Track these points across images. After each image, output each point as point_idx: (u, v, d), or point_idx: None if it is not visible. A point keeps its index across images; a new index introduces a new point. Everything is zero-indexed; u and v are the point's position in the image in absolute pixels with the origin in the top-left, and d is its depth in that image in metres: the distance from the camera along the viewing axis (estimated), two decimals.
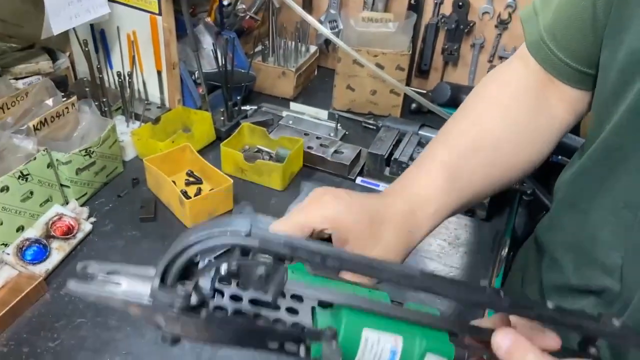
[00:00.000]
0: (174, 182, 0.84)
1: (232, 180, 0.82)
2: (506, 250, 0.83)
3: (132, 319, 0.66)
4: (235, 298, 0.36)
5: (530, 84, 0.59)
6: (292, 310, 0.38)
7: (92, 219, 0.80)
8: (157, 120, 0.95)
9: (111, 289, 0.36)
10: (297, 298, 0.38)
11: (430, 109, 1.08)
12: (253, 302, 0.37)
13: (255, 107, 1.09)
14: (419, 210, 0.51)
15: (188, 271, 0.36)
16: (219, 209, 0.83)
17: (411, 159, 0.90)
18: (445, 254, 0.78)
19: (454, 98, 1.09)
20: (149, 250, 0.77)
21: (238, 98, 1.03)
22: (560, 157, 0.96)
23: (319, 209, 0.46)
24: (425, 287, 0.36)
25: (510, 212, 0.89)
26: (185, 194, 0.84)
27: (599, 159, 0.54)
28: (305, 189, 0.90)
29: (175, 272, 0.35)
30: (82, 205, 0.82)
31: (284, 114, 1.06)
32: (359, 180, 0.93)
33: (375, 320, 0.38)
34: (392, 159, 0.90)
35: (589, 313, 0.41)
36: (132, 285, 0.36)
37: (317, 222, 0.44)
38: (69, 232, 0.75)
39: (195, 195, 0.84)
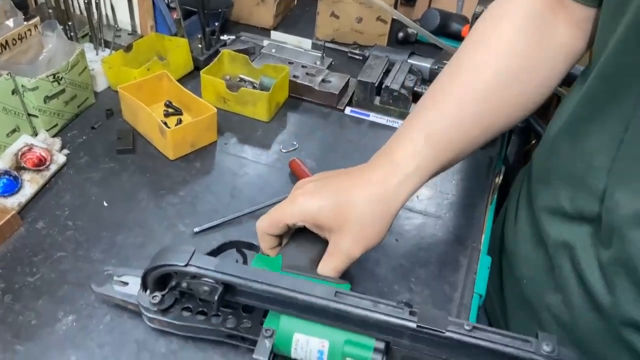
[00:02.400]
0: None
1: (215, 109, 0.77)
2: (500, 177, 0.82)
3: (117, 252, 0.62)
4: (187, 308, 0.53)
5: (537, 9, 0.56)
6: (248, 309, 0.53)
7: (66, 151, 0.74)
8: (128, 48, 0.88)
9: (119, 289, 0.55)
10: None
11: (420, 37, 1.04)
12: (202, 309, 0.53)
13: (234, 37, 1.02)
14: (393, 178, 0.52)
15: (168, 279, 0.53)
16: (202, 140, 0.78)
17: (403, 86, 0.86)
18: (440, 181, 0.76)
19: (443, 26, 1.05)
20: (129, 182, 0.72)
21: (216, 24, 0.96)
22: (559, 87, 0.94)
23: (289, 207, 0.53)
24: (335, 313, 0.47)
25: (503, 141, 0.87)
26: (165, 125, 0.78)
27: (600, 83, 0.51)
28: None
29: (152, 282, 0.51)
30: (54, 137, 0.76)
31: (265, 42, 1.00)
32: (348, 110, 0.89)
33: (306, 326, 0.49)
34: (383, 86, 0.86)
35: (522, 337, 0.44)
36: (134, 285, 0.54)
37: (288, 219, 0.52)
38: (40, 164, 0.69)
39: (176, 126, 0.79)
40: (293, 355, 0.51)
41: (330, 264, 0.52)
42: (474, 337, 0.44)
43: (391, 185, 0.52)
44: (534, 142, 0.99)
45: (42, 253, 0.61)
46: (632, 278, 0.49)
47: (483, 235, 0.71)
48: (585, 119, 0.54)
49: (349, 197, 0.51)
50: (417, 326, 0.45)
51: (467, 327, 0.45)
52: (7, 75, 0.68)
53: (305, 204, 0.52)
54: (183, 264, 0.49)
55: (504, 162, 0.87)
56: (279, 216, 0.53)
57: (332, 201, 0.51)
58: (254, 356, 0.49)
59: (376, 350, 0.48)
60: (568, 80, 0.62)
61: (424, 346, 0.48)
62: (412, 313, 0.46)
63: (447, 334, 0.45)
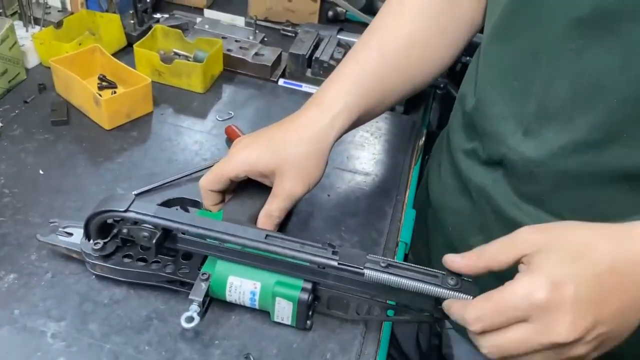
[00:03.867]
0: None
1: (150, 79, 0.79)
2: (423, 140, 0.88)
3: (56, 215, 0.64)
4: (129, 255, 0.56)
5: None
6: (187, 256, 0.57)
7: None
8: (59, 24, 0.88)
9: (63, 239, 0.57)
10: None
11: (349, 15, 1.09)
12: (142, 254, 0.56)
13: (167, 15, 1.04)
14: (323, 117, 0.57)
15: (111, 227, 0.56)
16: (138, 110, 0.80)
17: (332, 58, 0.91)
18: (368, 143, 0.82)
19: (370, 4, 1.10)
20: (65, 151, 0.73)
21: (148, 1, 0.97)
22: (469, 58, 1.02)
23: (229, 161, 0.57)
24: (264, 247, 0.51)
25: (426, 107, 0.94)
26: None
27: (491, 41, 0.59)
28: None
29: (94, 230, 0.54)
30: None
31: (198, 19, 1.02)
32: (281, 82, 0.93)
33: (240, 270, 0.53)
34: (314, 58, 0.91)
35: (433, 272, 0.49)
36: (78, 236, 0.56)
37: (229, 172, 0.56)
38: None
39: None
40: (227, 298, 0.55)
41: (275, 204, 0.56)
42: (388, 273, 0.49)
43: (322, 124, 0.57)
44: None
45: None
46: (543, 209, 0.56)
47: (408, 190, 0.77)
48: (483, 75, 0.61)
49: (283, 140, 0.56)
50: (339, 264, 0.50)
51: (382, 264, 0.50)
52: None
53: (243, 155, 0.57)
54: (123, 210, 0.51)
55: (427, 127, 0.93)
56: (220, 171, 0.57)
57: (269, 147, 0.56)
58: (190, 297, 0.52)
59: (303, 289, 0.52)
60: (471, 50, 0.70)
61: (347, 285, 0.53)
62: (334, 253, 0.51)
63: (364, 270, 0.49)
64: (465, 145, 0.64)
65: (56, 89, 0.82)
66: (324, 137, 0.57)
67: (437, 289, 0.48)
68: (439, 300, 0.49)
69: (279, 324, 0.55)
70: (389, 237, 0.68)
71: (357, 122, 0.61)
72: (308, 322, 0.54)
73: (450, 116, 0.74)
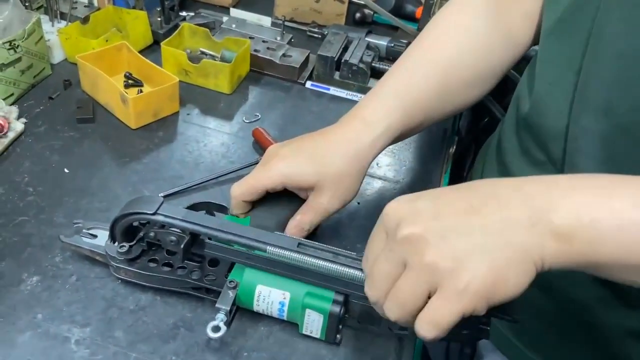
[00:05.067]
0: None
1: (177, 79, 0.77)
2: (454, 147, 0.86)
3: (81, 216, 0.62)
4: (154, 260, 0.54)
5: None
6: (214, 263, 0.54)
7: (23, 120, 0.72)
8: (85, 20, 0.87)
9: (87, 241, 0.55)
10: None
11: (376, 18, 1.07)
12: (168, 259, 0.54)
13: (193, 14, 1.02)
14: (366, 135, 0.56)
15: (137, 230, 0.54)
16: (164, 110, 0.78)
17: (361, 61, 0.89)
18: (399, 150, 0.79)
19: (399, 7, 1.08)
20: (90, 150, 0.71)
21: None
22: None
23: (267, 172, 0.54)
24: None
25: (457, 115, 0.91)
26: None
27: (550, 38, 0.56)
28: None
29: (120, 232, 0.52)
30: (10, 105, 0.74)
31: (225, 19, 1.00)
32: (308, 84, 0.91)
33: (269, 279, 0.51)
34: (342, 61, 0.89)
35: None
36: (103, 238, 0.55)
37: (267, 184, 0.54)
38: None
39: None
40: (255, 308, 0.52)
41: (308, 217, 0.55)
42: None
43: (365, 142, 0.55)
44: (487, 119, 1.04)
45: (3, 218, 0.61)
46: None
47: None
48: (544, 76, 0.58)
49: (325, 154, 0.54)
50: None
51: None
52: None
53: (282, 166, 0.54)
54: (151, 212, 0.49)
55: (457, 134, 0.91)
56: (256, 182, 0.55)
57: (310, 161, 0.54)
58: (217, 305, 0.50)
59: (335, 302, 0.50)
60: (520, 67, 0.67)
61: None
62: None
63: None
64: (519, 149, 0.61)
65: (82, 85, 0.81)
66: (365, 155, 0.56)
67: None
68: (481, 319, 0.47)
69: (308, 336, 0.53)
70: None
71: (396, 140, 0.60)
72: (338, 336, 0.52)
73: (501, 124, 0.71)
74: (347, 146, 0.55)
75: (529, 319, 0.55)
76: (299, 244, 0.50)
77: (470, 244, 0.37)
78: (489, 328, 0.47)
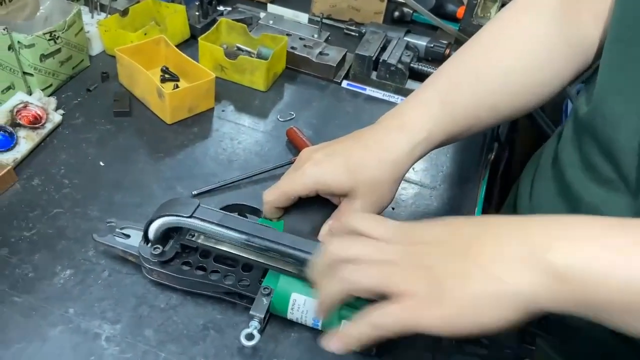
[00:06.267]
0: None
1: (214, 75, 0.77)
2: (493, 154, 0.83)
3: (115, 211, 0.62)
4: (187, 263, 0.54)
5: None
6: (247, 268, 0.53)
7: (61, 111, 0.73)
8: (124, 12, 0.87)
9: (120, 241, 0.54)
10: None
11: (415, 17, 1.04)
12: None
13: (230, 8, 1.02)
14: (405, 143, 0.52)
15: (173, 232, 0.53)
16: (200, 106, 0.78)
17: (400, 61, 0.87)
18: (436, 155, 0.77)
19: (439, 6, 1.05)
20: (126, 144, 0.71)
21: None
22: None
23: (300, 177, 0.52)
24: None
25: None
26: None
27: (617, 40, 0.49)
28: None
29: (154, 234, 0.52)
30: (49, 97, 0.74)
31: (262, 14, 0.99)
32: (344, 83, 0.89)
33: (305, 287, 0.49)
34: (380, 61, 0.87)
35: None
36: (136, 238, 0.54)
37: (300, 190, 0.52)
38: (36, 122, 0.68)
39: None
40: (289, 316, 0.51)
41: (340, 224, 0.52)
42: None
43: (402, 150, 0.52)
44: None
45: (39, 209, 0.61)
46: None
47: (476, 207, 0.72)
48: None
49: (361, 162, 0.52)
50: None
51: None
52: (4, 30, 0.67)
53: (317, 173, 0.52)
54: (187, 215, 0.49)
55: (497, 139, 0.88)
56: (289, 189, 0.53)
57: (346, 168, 0.51)
58: (251, 312, 0.49)
59: None
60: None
61: None
62: None
63: None
64: (581, 164, 0.56)
65: (119, 78, 0.81)
66: (402, 164, 0.53)
67: None
68: (523, 337, 0.45)
69: None
70: None
71: (437, 147, 0.56)
72: (374, 348, 0.51)
73: (556, 135, 0.66)
74: (383, 153, 0.52)
75: (581, 344, 0.52)
76: None
77: (459, 268, 0.37)
78: (534, 348, 0.45)
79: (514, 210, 0.71)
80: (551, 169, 0.62)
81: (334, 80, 0.89)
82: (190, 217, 0.49)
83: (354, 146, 0.53)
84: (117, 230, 0.55)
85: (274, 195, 0.53)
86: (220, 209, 0.56)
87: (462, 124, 0.55)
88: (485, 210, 0.77)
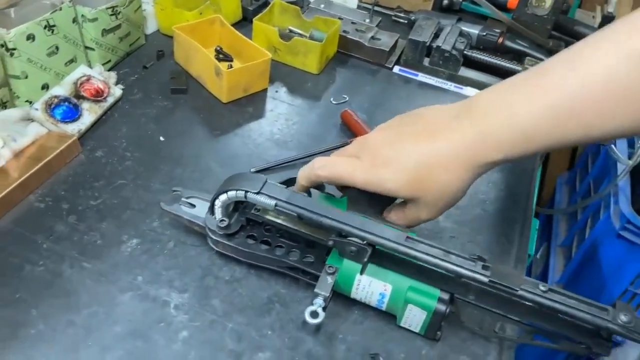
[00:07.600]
0: None
1: (270, 55, 0.77)
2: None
3: (176, 184, 0.62)
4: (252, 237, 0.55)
5: None
6: (311, 244, 0.53)
7: (121, 86, 0.73)
8: None
9: (186, 210, 0.55)
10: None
11: (464, 6, 1.03)
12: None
13: None
14: (487, 152, 0.45)
15: (238, 204, 0.54)
16: (255, 85, 0.78)
17: (454, 48, 0.86)
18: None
19: None
20: (183, 120, 0.72)
21: None
22: None
23: (364, 173, 0.49)
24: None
25: None
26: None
27: None
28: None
29: (222, 207, 0.52)
30: (108, 71, 0.75)
31: None
32: (396, 69, 0.88)
33: (370, 268, 0.50)
34: (434, 47, 0.86)
35: (599, 304, 0.42)
36: (201, 209, 0.55)
37: (358, 183, 0.49)
38: (98, 95, 0.69)
39: None
40: (353, 295, 0.51)
41: (401, 222, 0.51)
42: (549, 299, 0.43)
43: (479, 162, 0.46)
44: None
45: (103, 179, 0.62)
46: None
47: (532, 197, 0.71)
48: None
49: (431, 170, 0.47)
50: (490, 281, 0.45)
51: (542, 288, 0.44)
52: (69, 2, 0.68)
53: (381, 177, 0.48)
54: (255, 191, 0.49)
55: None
56: (347, 176, 0.49)
57: (414, 175, 0.47)
58: (316, 290, 0.49)
59: (441, 300, 0.48)
60: None
61: (490, 302, 0.48)
62: (485, 267, 0.45)
63: (520, 292, 0.44)
64: None
65: (175, 57, 0.81)
66: (478, 172, 0.47)
67: (606, 324, 0.42)
68: (600, 334, 0.44)
69: (403, 327, 0.52)
70: (519, 246, 0.63)
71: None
72: (438, 332, 0.50)
73: None
74: (457, 164, 0.46)
75: None
76: (407, 237, 0.48)
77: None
78: (610, 343, 0.44)
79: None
80: None
81: (386, 65, 0.88)
82: (259, 193, 0.49)
83: (425, 148, 0.47)
84: (182, 199, 0.55)
85: (328, 173, 0.50)
86: (283, 182, 0.56)
87: (546, 146, 0.45)
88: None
